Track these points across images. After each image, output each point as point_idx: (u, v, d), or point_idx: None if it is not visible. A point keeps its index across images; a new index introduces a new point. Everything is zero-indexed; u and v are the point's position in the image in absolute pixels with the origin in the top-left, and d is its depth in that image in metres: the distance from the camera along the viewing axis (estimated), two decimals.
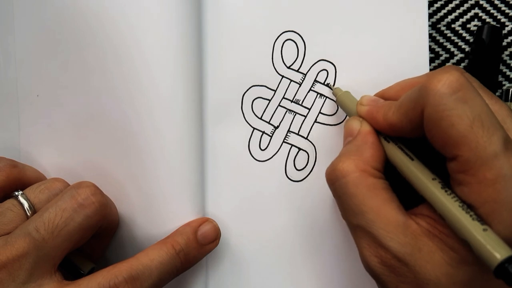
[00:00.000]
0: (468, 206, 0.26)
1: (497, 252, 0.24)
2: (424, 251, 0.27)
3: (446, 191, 0.27)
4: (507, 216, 0.25)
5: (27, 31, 0.37)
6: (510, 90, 0.40)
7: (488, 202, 0.25)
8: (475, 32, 0.41)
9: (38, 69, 0.37)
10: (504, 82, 0.42)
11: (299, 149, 0.38)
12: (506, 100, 0.41)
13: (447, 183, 0.28)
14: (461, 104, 0.26)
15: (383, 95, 0.34)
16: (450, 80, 0.26)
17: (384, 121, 0.31)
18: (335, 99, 0.37)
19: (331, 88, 0.38)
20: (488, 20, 0.42)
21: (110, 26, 0.35)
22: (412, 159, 0.29)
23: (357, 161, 0.30)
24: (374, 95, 0.35)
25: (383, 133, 0.32)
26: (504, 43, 0.42)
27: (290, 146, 0.38)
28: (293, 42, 0.38)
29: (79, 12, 0.36)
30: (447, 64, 0.34)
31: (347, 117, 0.37)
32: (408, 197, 0.30)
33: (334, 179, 0.31)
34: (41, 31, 0.37)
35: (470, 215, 0.25)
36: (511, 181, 0.25)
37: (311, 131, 0.38)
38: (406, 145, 0.31)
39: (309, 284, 0.39)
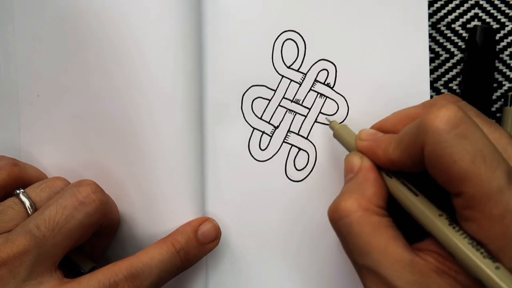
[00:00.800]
0: (478, 243, 0.25)
1: None
2: None
3: (454, 227, 0.26)
4: None
5: (27, 31, 0.37)
6: (510, 95, 0.41)
7: (497, 239, 0.25)
8: (468, 34, 0.41)
9: (38, 69, 0.37)
10: (504, 82, 0.42)
11: (299, 149, 0.38)
12: (505, 104, 0.41)
13: (453, 217, 0.27)
14: (461, 140, 0.25)
15: (381, 127, 0.34)
16: (448, 115, 0.26)
17: (385, 157, 0.30)
18: (332, 133, 0.36)
19: (328, 121, 0.37)
20: (488, 20, 0.42)
21: (110, 26, 0.35)
22: (417, 195, 0.29)
23: (360, 200, 0.29)
24: (371, 127, 0.35)
25: (384, 168, 0.31)
26: (504, 43, 0.42)
27: (290, 146, 0.38)
28: (293, 42, 0.38)
29: (79, 12, 0.36)
30: (444, 93, 0.33)
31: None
32: (412, 230, 0.29)
33: (337, 219, 0.30)
34: (41, 31, 0.37)
35: (481, 253, 0.25)
36: None
37: (311, 131, 0.38)
38: (409, 179, 0.30)
39: (309, 283, 0.38)
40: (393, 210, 0.30)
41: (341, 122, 0.38)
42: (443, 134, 0.25)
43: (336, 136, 0.36)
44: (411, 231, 0.29)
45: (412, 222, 0.29)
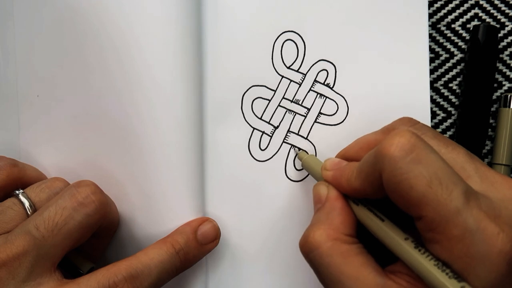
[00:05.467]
0: (443, 264, 0.26)
1: None
2: None
3: (419, 250, 0.27)
4: (480, 269, 0.25)
5: (27, 31, 0.37)
6: (509, 96, 0.40)
7: (460, 258, 0.25)
8: (470, 32, 0.41)
9: (37, 69, 0.37)
10: (504, 82, 0.42)
11: (299, 149, 0.38)
12: (505, 105, 0.41)
13: (420, 240, 0.28)
14: (415, 165, 0.26)
15: (345, 155, 0.35)
16: (401, 142, 0.26)
17: (348, 186, 0.31)
18: (300, 163, 0.38)
19: (296, 151, 0.38)
20: (488, 20, 0.42)
21: (110, 26, 0.35)
22: (383, 220, 0.29)
23: (328, 230, 0.30)
24: (336, 155, 0.35)
25: (350, 196, 0.31)
26: (504, 43, 0.42)
27: (290, 146, 0.38)
28: (293, 42, 0.38)
29: (79, 12, 0.36)
30: (402, 117, 0.34)
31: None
32: (386, 253, 0.29)
33: (308, 251, 0.30)
34: (41, 31, 0.37)
35: (447, 273, 0.25)
36: (477, 234, 0.25)
37: (311, 131, 0.38)
38: (376, 205, 0.30)
39: (309, 283, 0.39)
40: (366, 233, 0.30)
41: (342, 121, 0.38)
42: (398, 161, 0.26)
43: (304, 166, 0.37)
44: (386, 253, 0.29)
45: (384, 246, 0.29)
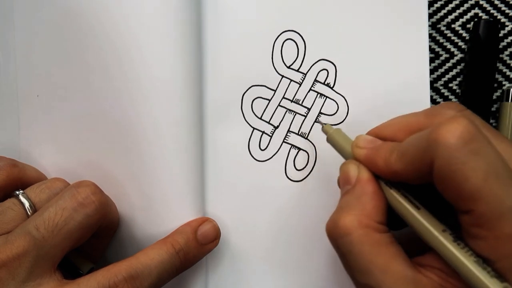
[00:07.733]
0: (484, 261, 0.25)
1: None
2: None
3: (458, 244, 0.26)
4: None
5: (28, 31, 0.37)
6: (510, 90, 0.40)
7: (506, 258, 0.24)
8: (471, 28, 0.41)
9: (38, 69, 0.37)
10: (504, 82, 0.42)
11: (299, 149, 0.38)
12: (506, 99, 0.40)
13: (457, 232, 0.26)
14: (474, 156, 0.24)
15: (379, 134, 0.32)
16: (459, 131, 0.25)
17: (386, 167, 0.29)
18: (325, 137, 0.34)
19: (321, 124, 0.34)
20: None
21: (110, 26, 0.35)
22: (419, 208, 0.28)
23: (360, 216, 0.28)
24: (368, 133, 0.32)
25: (384, 178, 0.29)
26: (504, 43, 0.42)
27: (290, 146, 0.38)
28: (293, 42, 0.38)
29: (79, 12, 0.36)
30: (447, 101, 0.31)
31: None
32: (413, 242, 0.28)
33: (337, 237, 0.28)
34: (41, 31, 0.37)
35: (488, 272, 0.24)
36: None
37: (311, 131, 0.38)
38: (408, 190, 0.29)
39: (309, 284, 0.39)
40: (391, 219, 0.29)
41: (343, 120, 0.38)
42: (455, 150, 0.24)
43: (330, 141, 0.33)
44: (412, 243, 0.28)
45: (412, 234, 0.28)
